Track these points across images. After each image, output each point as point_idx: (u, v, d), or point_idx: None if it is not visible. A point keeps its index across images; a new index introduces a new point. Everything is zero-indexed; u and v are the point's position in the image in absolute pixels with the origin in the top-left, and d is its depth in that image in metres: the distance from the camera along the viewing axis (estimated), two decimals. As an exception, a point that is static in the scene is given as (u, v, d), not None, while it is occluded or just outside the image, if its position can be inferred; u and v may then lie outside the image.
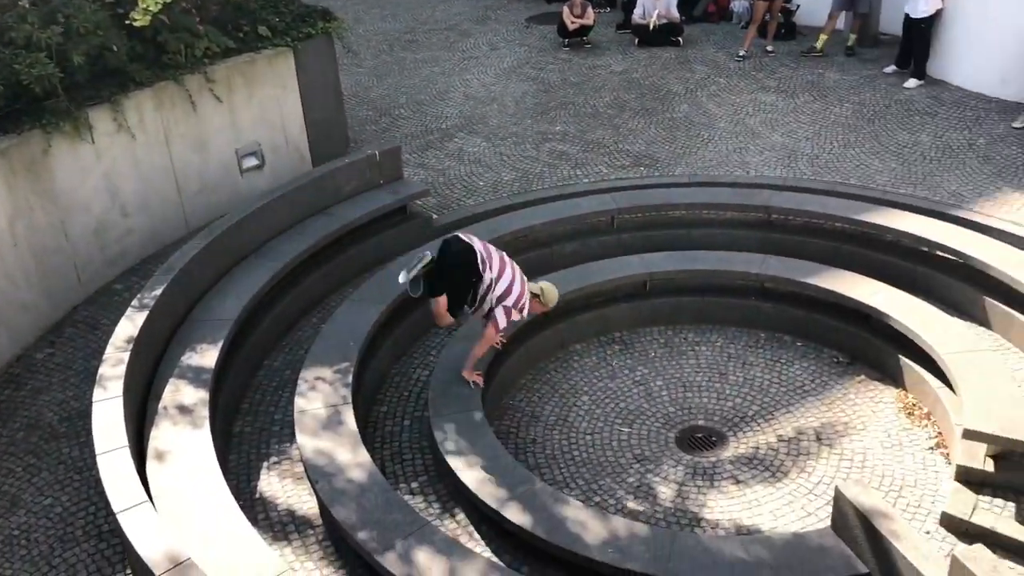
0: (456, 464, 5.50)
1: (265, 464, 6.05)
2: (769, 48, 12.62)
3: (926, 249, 7.66)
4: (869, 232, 7.99)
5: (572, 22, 13.30)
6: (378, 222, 8.22)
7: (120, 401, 5.33)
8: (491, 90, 12.09)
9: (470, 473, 5.43)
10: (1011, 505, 5.45)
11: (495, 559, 5.20)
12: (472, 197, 9.24)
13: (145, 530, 4.47)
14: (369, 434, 6.35)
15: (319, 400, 5.88)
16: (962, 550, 4.19)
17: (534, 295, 6.22)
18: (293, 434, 5.83)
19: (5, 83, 6.90)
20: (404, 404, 6.71)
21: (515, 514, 5.08)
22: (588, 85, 12.03)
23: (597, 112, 11.14)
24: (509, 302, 6.01)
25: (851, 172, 9.01)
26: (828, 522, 5.16)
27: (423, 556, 4.66)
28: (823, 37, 12.21)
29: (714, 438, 6.54)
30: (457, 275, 5.89)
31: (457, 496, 5.68)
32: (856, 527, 4.70)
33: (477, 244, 6.00)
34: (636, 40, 13.39)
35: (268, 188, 9.38)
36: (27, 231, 7.15)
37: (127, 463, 4.91)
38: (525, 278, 6.20)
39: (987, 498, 5.52)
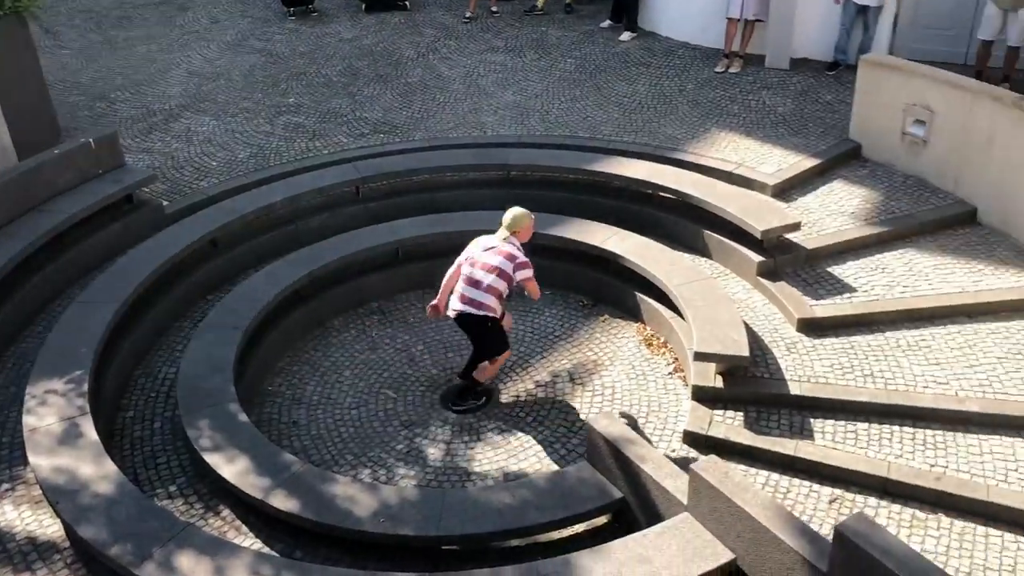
0: (214, 460, 5.28)
1: (-4, 494, 5.49)
2: (494, 9, 12.91)
3: (650, 191, 8.22)
4: (600, 180, 8.46)
5: (296, -11, 12.90)
6: (102, 215, 7.61)
7: None
8: (216, 65, 11.49)
9: (230, 467, 5.23)
10: (739, 415, 6.03)
11: (266, 549, 5.07)
12: (205, 179, 8.77)
13: None
14: (116, 442, 5.94)
15: (52, 415, 5.40)
16: (698, 462, 4.60)
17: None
18: (25, 456, 5.32)
19: None
20: (152, 405, 6.32)
21: (281, 500, 4.97)
22: (319, 54, 11.74)
23: (331, 81, 10.91)
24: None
25: (579, 125, 9.46)
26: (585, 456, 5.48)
27: (186, 560, 4.45)
28: None
29: (480, 390, 6.71)
30: None
31: (220, 492, 5.46)
32: (608, 456, 5.03)
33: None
34: (363, 5, 13.21)
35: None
36: None
37: None
38: (458, 285, 6.32)
39: (720, 412, 6.08)
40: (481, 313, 6.14)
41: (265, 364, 6.84)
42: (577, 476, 5.15)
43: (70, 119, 9.99)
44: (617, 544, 4.54)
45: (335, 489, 5.11)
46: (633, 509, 5.00)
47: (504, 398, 6.61)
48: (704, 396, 6.17)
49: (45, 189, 7.37)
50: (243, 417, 5.63)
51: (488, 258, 6.21)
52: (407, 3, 13.12)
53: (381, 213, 8.36)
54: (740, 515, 4.27)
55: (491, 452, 6.12)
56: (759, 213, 7.31)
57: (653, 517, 4.82)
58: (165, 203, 8.24)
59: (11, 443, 5.80)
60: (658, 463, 4.85)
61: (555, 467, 5.89)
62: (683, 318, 6.72)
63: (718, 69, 10.24)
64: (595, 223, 7.83)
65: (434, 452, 6.14)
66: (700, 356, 6.10)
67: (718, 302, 6.62)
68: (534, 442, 6.17)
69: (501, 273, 6.14)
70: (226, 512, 5.40)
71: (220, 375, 5.92)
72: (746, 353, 6.06)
